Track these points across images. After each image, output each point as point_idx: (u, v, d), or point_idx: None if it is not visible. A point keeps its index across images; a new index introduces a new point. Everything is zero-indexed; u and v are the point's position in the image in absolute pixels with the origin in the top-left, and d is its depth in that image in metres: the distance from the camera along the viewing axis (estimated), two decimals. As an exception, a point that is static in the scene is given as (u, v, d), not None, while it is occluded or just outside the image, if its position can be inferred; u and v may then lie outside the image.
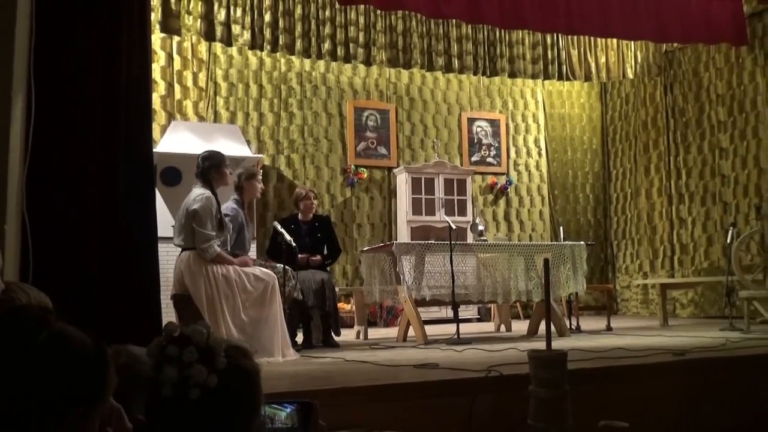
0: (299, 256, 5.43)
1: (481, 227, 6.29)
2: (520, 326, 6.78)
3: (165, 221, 5.39)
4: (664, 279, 8.12)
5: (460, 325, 5.51)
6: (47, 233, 3.04)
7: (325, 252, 5.82)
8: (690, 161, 8.48)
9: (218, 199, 4.46)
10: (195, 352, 1.17)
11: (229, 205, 4.87)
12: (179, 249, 4.42)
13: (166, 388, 1.15)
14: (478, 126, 9.44)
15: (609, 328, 6.31)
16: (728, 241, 6.14)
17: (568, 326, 6.03)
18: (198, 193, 4.37)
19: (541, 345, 4.63)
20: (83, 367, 1.10)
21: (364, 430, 2.63)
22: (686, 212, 8.54)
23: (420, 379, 3.10)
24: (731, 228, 6.22)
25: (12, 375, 1.04)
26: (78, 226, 3.17)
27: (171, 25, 6.28)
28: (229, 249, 4.58)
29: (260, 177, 5.12)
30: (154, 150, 6.05)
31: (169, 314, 4.59)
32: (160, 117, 7.66)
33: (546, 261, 2.88)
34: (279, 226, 5.31)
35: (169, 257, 5.41)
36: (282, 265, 4.80)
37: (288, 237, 5.12)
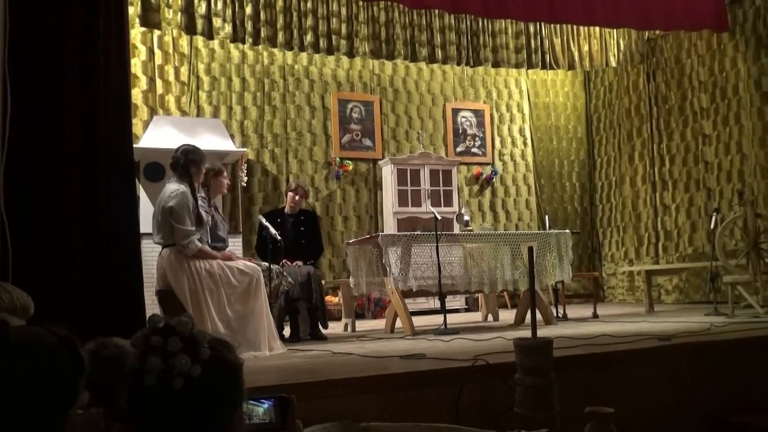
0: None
1: (466, 217, 6.29)
2: (508, 315, 6.81)
3: (149, 217, 5.34)
4: (650, 266, 8.17)
5: (448, 315, 5.51)
6: (26, 231, 3.00)
7: (304, 242, 5.75)
8: (673, 148, 8.52)
9: (195, 194, 4.39)
10: (179, 341, 1.17)
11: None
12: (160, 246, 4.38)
13: (149, 377, 1.15)
14: (463, 116, 9.43)
15: (595, 316, 6.35)
16: (712, 226, 6.18)
17: (555, 314, 6.05)
18: (173, 189, 4.29)
19: (527, 334, 4.65)
20: (53, 372, 1.11)
21: (351, 421, 2.62)
22: (670, 199, 8.59)
23: (406, 370, 3.09)
24: (715, 214, 6.26)
25: None
26: (58, 222, 3.13)
27: (151, 18, 6.21)
28: (209, 242, 4.54)
29: (226, 173, 5.03)
30: (136, 146, 6.01)
31: (153, 310, 4.55)
32: (142, 112, 7.58)
33: (530, 249, 2.87)
34: (264, 220, 5.28)
35: (153, 253, 5.35)
36: (267, 264, 4.76)
37: (273, 231, 5.10)
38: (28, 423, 1.09)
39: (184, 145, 4.56)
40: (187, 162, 4.40)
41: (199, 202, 4.73)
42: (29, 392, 1.09)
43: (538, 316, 4.86)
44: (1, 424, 1.07)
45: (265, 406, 1.36)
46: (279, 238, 5.08)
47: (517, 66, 8.21)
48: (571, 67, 8.37)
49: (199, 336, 1.19)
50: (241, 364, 1.25)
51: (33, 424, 1.10)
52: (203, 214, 4.42)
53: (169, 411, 1.15)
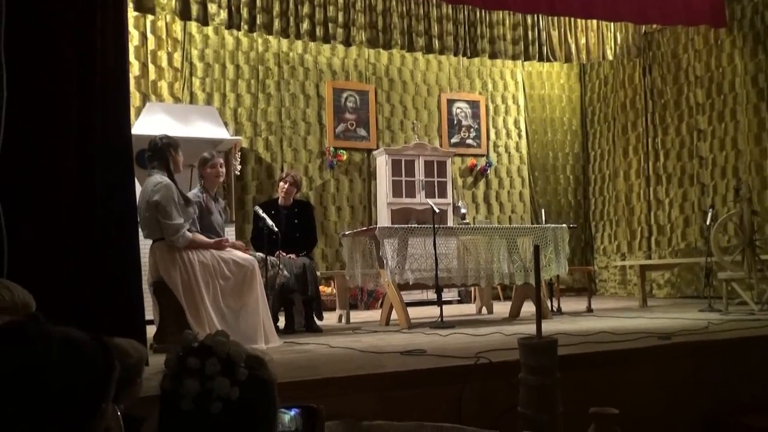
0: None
1: (463, 210, 6.26)
2: (501, 308, 6.80)
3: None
4: (643, 260, 8.19)
5: (443, 307, 5.48)
6: (21, 222, 2.93)
7: (298, 235, 5.69)
8: (668, 143, 8.52)
9: (174, 180, 4.28)
10: (217, 363, 1.12)
11: (194, 192, 4.75)
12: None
13: (186, 402, 1.10)
14: (458, 107, 9.38)
15: (590, 310, 6.36)
16: (707, 222, 6.19)
17: (550, 308, 6.05)
18: (155, 182, 4.18)
19: (524, 328, 4.64)
20: (93, 376, 1.09)
21: (354, 420, 2.58)
22: (664, 194, 8.61)
23: (408, 368, 3.06)
24: (710, 210, 6.26)
25: (27, 393, 1.02)
26: (53, 211, 3.06)
27: (145, 3, 6.10)
28: (198, 228, 4.47)
29: (218, 161, 4.94)
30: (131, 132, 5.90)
31: (147, 301, 4.48)
32: (134, 98, 7.46)
33: (536, 248, 2.84)
34: (260, 211, 5.22)
35: (145, 242, 5.28)
36: (263, 255, 4.70)
37: (270, 222, 5.04)
38: (66, 414, 1.08)
39: (157, 135, 4.45)
40: (163, 146, 4.28)
41: (197, 192, 4.67)
42: (68, 385, 1.07)
43: (534, 309, 4.85)
44: (42, 419, 1.05)
45: (292, 413, 1.32)
46: (276, 229, 5.02)
47: (514, 57, 8.17)
48: (567, 59, 8.34)
49: (236, 356, 1.14)
50: (275, 380, 1.21)
51: (71, 415, 1.08)
52: (191, 198, 4.34)
53: None
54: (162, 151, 4.28)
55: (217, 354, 1.13)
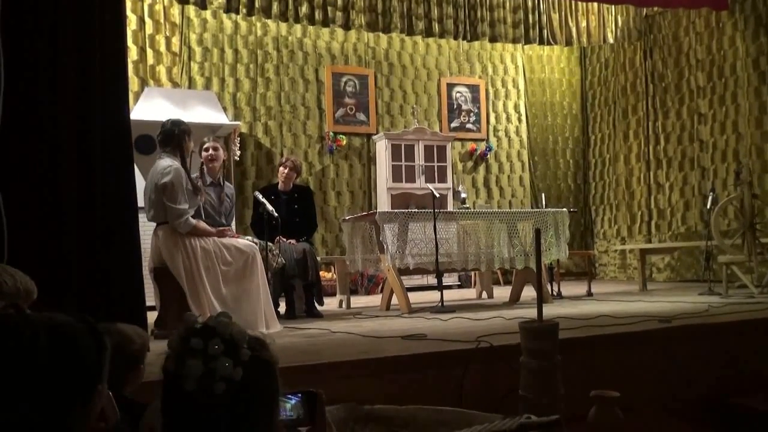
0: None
1: (464, 195, 6.25)
2: (501, 292, 6.81)
3: (140, 191, 5.25)
4: (644, 244, 8.19)
5: (443, 292, 5.49)
6: (20, 207, 2.91)
7: (298, 220, 5.68)
8: (669, 126, 8.49)
9: (187, 168, 4.30)
10: (221, 343, 1.12)
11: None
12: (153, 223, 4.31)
13: (189, 382, 1.11)
14: (458, 91, 9.34)
15: (590, 294, 6.37)
16: (707, 206, 6.18)
17: (550, 292, 6.06)
18: (165, 165, 4.19)
19: (525, 312, 4.65)
20: (84, 358, 1.09)
21: (355, 404, 2.59)
22: (664, 177, 8.59)
23: (410, 352, 3.07)
24: (711, 193, 6.25)
25: (20, 381, 1.03)
26: (53, 200, 3.04)
27: (142, -13, 6.05)
28: (203, 217, 4.46)
29: (210, 145, 4.93)
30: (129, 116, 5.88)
31: (148, 287, 4.48)
32: (132, 83, 7.41)
33: (537, 231, 2.84)
34: (260, 196, 5.21)
35: (146, 227, 5.27)
36: (263, 241, 4.69)
37: (270, 207, 5.03)
38: (61, 400, 1.08)
39: (170, 119, 4.44)
40: (180, 132, 4.30)
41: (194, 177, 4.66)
42: (60, 371, 1.08)
43: (534, 293, 4.85)
44: (35, 405, 1.05)
45: (293, 401, 1.32)
46: (276, 215, 5.01)
47: (515, 41, 8.11)
48: (568, 42, 8.29)
49: (239, 337, 1.14)
50: (277, 361, 1.21)
51: (66, 401, 1.09)
52: (200, 187, 4.34)
53: (210, 416, 1.11)
54: (178, 138, 4.29)
55: (220, 334, 1.13)
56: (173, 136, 4.29)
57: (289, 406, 1.31)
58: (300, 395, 1.33)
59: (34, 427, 1.03)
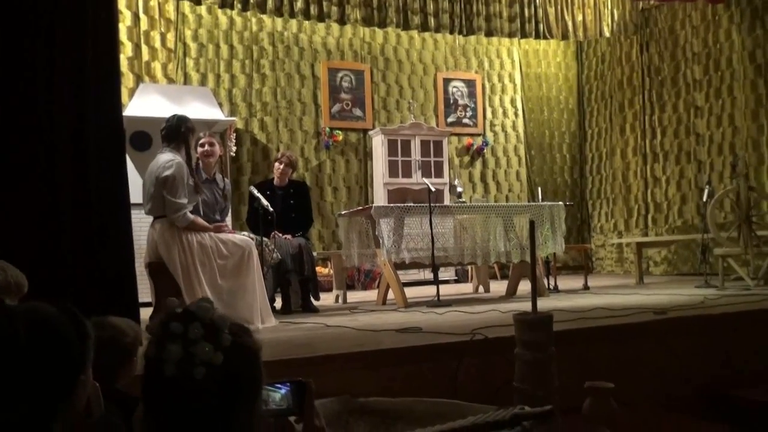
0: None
1: (459, 189, 6.24)
2: (498, 287, 6.81)
3: (136, 187, 5.24)
4: (640, 238, 8.19)
5: (439, 286, 5.48)
6: (13, 204, 2.91)
7: (294, 215, 5.67)
8: (665, 120, 8.49)
9: (191, 165, 4.31)
10: (200, 328, 1.11)
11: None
12: (150, 216, 4.30)
13: (169, 367, 1.09)
14: (454, 86, 9.33)
15: (586, 287, 6.37)
16: (704, 199, 6.18)
17: (546, 286, 6.06)
18: (167, 158, 4.19)
19: (520, 306, 4.65)
20: (66, 347, 1.08)
21: (350, 397, 2.59)
22: (661, 171, 8.59)
23: (404, 344, 3.06)
24: (707, 186, 6.25)
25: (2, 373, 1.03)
26: (46, 195, 3.04)
27: (136, -18, 6.03)
28: (201, 213, 4.46)
29: (206, 141, 4.91)
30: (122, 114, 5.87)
31: (143, 283, 4.48)
32: (127, 79, 7.41)
33: (532, 223, 2.83)
34: (255, 191, 5.20)
35: (141, 224, 5.27)
36: (259, 237, 4.69)
37: (265, 202, 5.02)
38: (44, 392, 1.07)
39: (176, 114, 4.44)
40: (186, 130, 4.30)
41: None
42: (41, 363, 1.07)
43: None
44: (18, 398, 1.04)
45: (282, 391, 1.31)
46: (271, 209, 5.01)
47: (511, 35, 8.09)
48: (564, 36, 8.27)
49: (220, 322, 1.13)
50: (260, 348, 1.20)
51: (49, 393, 1.08)
52: (201, 186, 4.35)
53: (190, 401, 1.09)
54: (184, 135, 4.29)
55: (200, 319, 1.11)
56: (178, 133, 4.29)
57: (278, 395, 1.31)
58: (289, 385, 1.32)
59: (16, 418, 1.02)
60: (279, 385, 1.33)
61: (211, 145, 4.92)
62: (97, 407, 1.35)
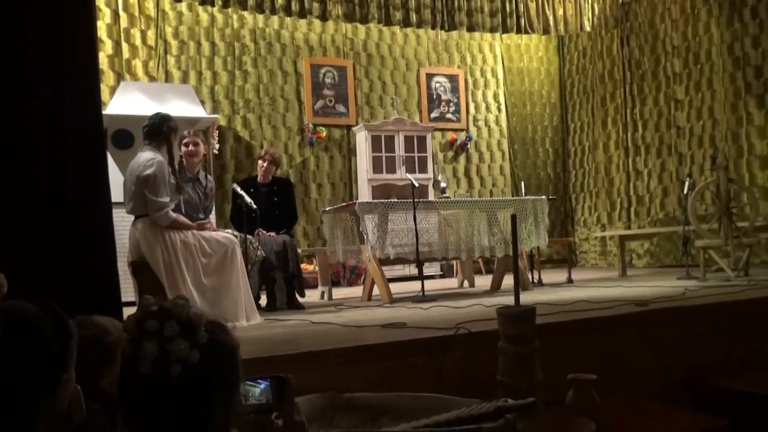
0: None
1: (443, 184, 6.26)
2: (483, 281, 6.84)
3: (118, 186, 5.19)
4: (623, 231, 8.26)
5: (424, 282, 5.50)
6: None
7: (278, 213, 5.65)
8: (646, 113, 8.56)
9: (173, 164, 4.29)
10: (176, 325, 1.10)
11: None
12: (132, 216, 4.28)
13: (144, 365, 1.08)
14: (437, 82, 9.34)
15: (570, 281, 6.41)
16: (684, 191, 6.24)
17: (530, 280, 6.09)
18: (148, 157, 4.16)
19: (505, 300, 4.67)
20: (46, 346, 1.07)
21: (335, 393, 2.60)
22: (642, 164, 8.66)
23: (388, 340, 3.07)
24: (687, 179, 6.32)
25: None
26: (24, 195, 3.00)
27: (115, -21, 5.97)
28: (183, 211, 4.44)
29: (191, 140, 4.88)
30: (103, 112, 5.82)
31: (126, 281, 4.45)
32: (108, 77, 7.35)
33: (513, 217, 2.85)
34: (238, 188, 5.19)
35: (124, 222, 5.23)
36: (242, 234, 4.67)
37: (248, 199, 5.01)
38: (23, 391, 1.06)
39: (159, 113, 4.41)
40: (168, 129, 4.28)
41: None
42: (18, 361, 1.06)
43: (516, 282, 4.88)
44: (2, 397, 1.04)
45: (262, 386, 1.32)
46: (255, 207, 5.00)
47: (492, 30, 8.12)
48: (545, 31, 8.31)
49: (195, 319, 1.12)
50: (237, 346, 1.20)
51: (28, 391, 1.07)
52: (183, 186, 4.33)
53: (167, 399, 1.09)
54: (166, 134, 4.27)
55: (176, 316, 1.11)
56: (160, 132, 4.26)
57: (258, 391, 1.31)
58: (269, 380, 1.33)
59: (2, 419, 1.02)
60: (259, 381, 1.33)
61: (195, 144, 4.90)
62: (78, 412, 1.34)
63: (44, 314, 1.11)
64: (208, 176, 5.14)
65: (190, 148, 4.85)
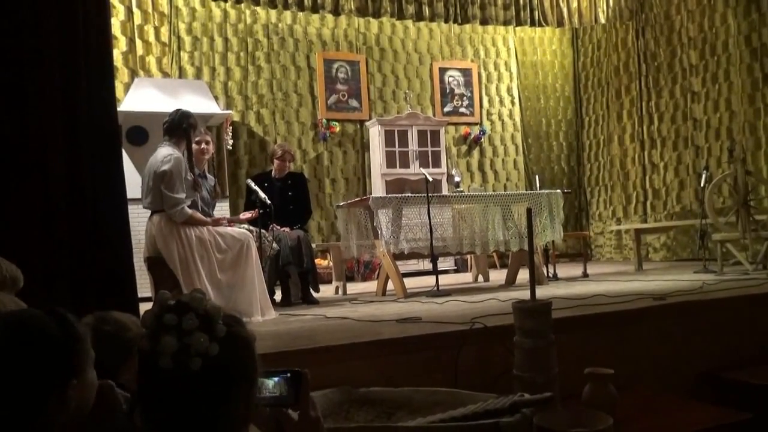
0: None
1: (457, 178, 6.24)
2: (498, 276, 6.82)
3: (133, 182, 5.22)
4: (639, 224, 8.20)
5: (439, 276, 5.49)
6: (7, 201, 2.90)
7: (292, 207, 5.66)
8: (662, 106, 8.48)
9: (191, 160, 4.31)
10: (195, 318, 1.10)
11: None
12: (149, 211, 4.30)
13: (164, 359, 1.08)
14: (450, 75, 9.30)
15: (585, 275, 6.37)
16: (702, 184, 6.18)
17: (546, 274, 6.06)
18: (166, 153, 4.19)
19: (520, 294, 4.65)
20: (52, 351, 1.08)
21: (351, 387, 2.60)
22: (658, 157, 8.58)
23: (404, 334, 3.07)
24: (704, 171, 6.25)
25: None
26: (41, 192, 3.03)
27: (129, -24, 5.99)
28: (200, 208, 4.46)
29: (204, 138, 4.90)
30: (118, 109, 5.85)
31: (142, 277, 4.48)
32: (122, 74, 7.39)
33: (529, 210, 2.83)
34: (252, 184, 5.20)
35: (140, 218, 5.27)
36: (256, 229, 4.69)
37: (262, 194, 5.02)
38: (31, 397, 1.07)
39: (179, 109, 4.44)
40: (188, 126, 4.31)
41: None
42: (25, 366, 1.06)
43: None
44: (4, 401, 1.05)
45: (277, 379, 1.31)
46: (269, 201, 5.00)
47: (506, 23, 8.07)
48: (560, 24, 8.25)
49: (213, 312, 1.12)
50: (254, 339, 1.19)
51: (32, 395, 1.07)
52: (199, 182, 4.35)
53: (187, 393, 1.08)
54: (186, 131, 4.31)
55: (194, 309, 1.11)
56: (180, 128, 4.29)
57: (272, 384, 1.30)
58: (285, 374, 1.32)
59: (3, 423, 1.02)
60: (274, 374, 1.32)
61: (207, 143, 4.95)
62: (113, 404, 1.34)
63: (49, 319, 1.11)
64: (209, 176, 5.17)
65: (203, 146, 4.88)
